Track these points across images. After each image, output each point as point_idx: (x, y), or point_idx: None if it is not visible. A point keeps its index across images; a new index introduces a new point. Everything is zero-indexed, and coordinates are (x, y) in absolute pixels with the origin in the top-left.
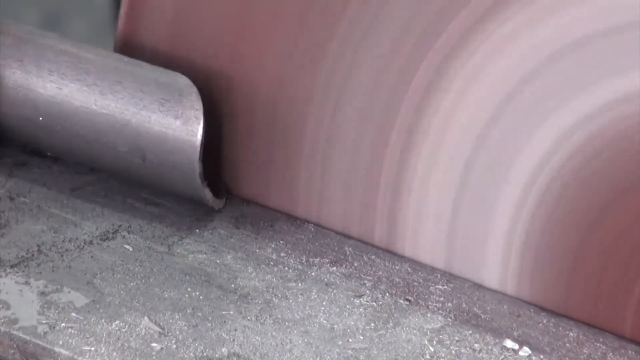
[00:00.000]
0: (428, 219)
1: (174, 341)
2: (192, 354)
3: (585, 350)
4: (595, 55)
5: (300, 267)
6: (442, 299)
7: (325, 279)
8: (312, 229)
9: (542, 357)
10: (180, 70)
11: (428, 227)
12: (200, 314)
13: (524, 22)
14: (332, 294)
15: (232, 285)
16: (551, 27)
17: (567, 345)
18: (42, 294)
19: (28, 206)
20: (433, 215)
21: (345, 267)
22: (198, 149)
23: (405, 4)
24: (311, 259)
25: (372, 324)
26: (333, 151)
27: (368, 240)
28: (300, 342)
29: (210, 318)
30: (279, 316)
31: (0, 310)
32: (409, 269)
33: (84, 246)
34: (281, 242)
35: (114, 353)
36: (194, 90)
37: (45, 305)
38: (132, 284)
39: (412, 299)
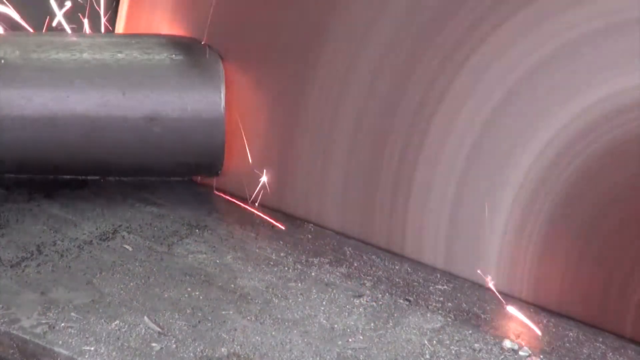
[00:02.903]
0: (428, 219)
1: (173, 341)
2: (191, 354)
3: (585, 350)
4: (597, 54)
5: (300, 267)
6: (442, 299)
7: (325, 279)
8: (312, 229)
9: (542, 357)
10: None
11: (428, 227)
12: (200, 314)
13: (524, 21)
14: (332, 294)
15: (232, 285)
16: (553, 25)
17: (567, 345)
18: (42, 294)
19: (28, 206)
20: (433, 215)
21: (345, 267)
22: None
23: (404, 4)
24: (311, 259)
25: (372, 324)
26: (333, 151)
27: (368, 240)
28: (300, 342)
29: (210, 318)
30: (279, 316)
31: (0, 310)
32: (409, 269)
33: (83, 246)
34: (281, 242)
35: (114, 353)
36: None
37: (45, 305)
38: (132, 284)
39: (412, 299)
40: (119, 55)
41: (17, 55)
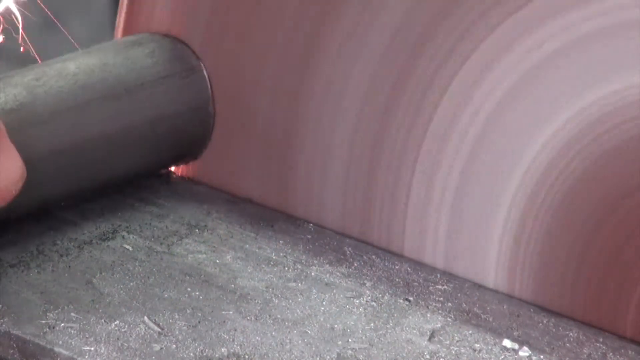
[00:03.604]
0: (428, 219)
1: (173, 341)
2: (192, 354)
3: (585, 350)
4: (598, 54)
5: (299, 267)
6: (442, 299)
7: (325, 279)
8: (312, 229)
9: (542, 357)
10: None
11: (428, 227)
12: (200, 314)
13: (524, 21)
14: (332, 294)
15: (232, 285)
16: (555, 24)
17: (567, 345)
18: (42, 293)
19: None
20: (433, 215)
21: (345, 267)
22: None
23: (404, 4)
24: (311, 259)
25: (372, 324)
26: (333, 151)
27: (368, 240)
28: (299, 342)
29: (210, 318)
30: (279, 316)
31: (0, 310)
32: (409, 269)
33: (83, 246)
34: (281, 242)
35: (114, 353)
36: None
37: (45, 305)
38: (131, 284)
39: (412, 299)
40: (107, 67)
41: (24, 94)
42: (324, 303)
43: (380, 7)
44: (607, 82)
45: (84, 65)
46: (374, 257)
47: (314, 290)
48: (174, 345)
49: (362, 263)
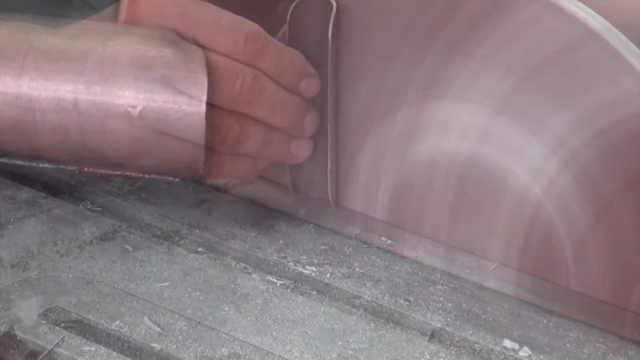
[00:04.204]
0: (428, 219)
1: (173, 341)
2: (192, 354)
3: (585, 351)
4: (597, 52)
5: (300, 267)
6: (442, 299)
7: (325, 279)
8: (312, 229)
9: (542, 357)
10: None
11: (428, 227)
12: (200, 314)
13: (525, 20)
14: (332, 294)
15: (232, 286)
16: (554, 24)
17: (567, 345)
18: (42, 294)
19: (28, 205)
20: (433, 215)
21: (345, 267)
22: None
23: (407, 4)
24: (311, 259)
25: (372, 324)
26: (333, 151)
27: (368, 240)
28: (300, 342)
29: (210, 318)
30: (279, 316)
31: (0, 311)
32: (409, 269)
33: (83, 246)
34: (281, 242)
35: (114, 353)
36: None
37: (45, 306)
38: (131, 284)
39: (412, 299)
40: (108, 42)
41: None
42: (324, 303)
43: (388, 4)
44: (606, 83)
45: (87, 30)
46: (374, 257)
47: (314, 291)
48: (174, 345)
49: (362, 263)
